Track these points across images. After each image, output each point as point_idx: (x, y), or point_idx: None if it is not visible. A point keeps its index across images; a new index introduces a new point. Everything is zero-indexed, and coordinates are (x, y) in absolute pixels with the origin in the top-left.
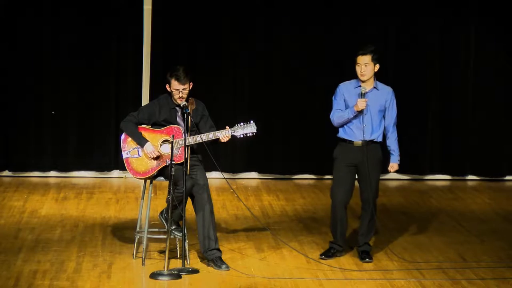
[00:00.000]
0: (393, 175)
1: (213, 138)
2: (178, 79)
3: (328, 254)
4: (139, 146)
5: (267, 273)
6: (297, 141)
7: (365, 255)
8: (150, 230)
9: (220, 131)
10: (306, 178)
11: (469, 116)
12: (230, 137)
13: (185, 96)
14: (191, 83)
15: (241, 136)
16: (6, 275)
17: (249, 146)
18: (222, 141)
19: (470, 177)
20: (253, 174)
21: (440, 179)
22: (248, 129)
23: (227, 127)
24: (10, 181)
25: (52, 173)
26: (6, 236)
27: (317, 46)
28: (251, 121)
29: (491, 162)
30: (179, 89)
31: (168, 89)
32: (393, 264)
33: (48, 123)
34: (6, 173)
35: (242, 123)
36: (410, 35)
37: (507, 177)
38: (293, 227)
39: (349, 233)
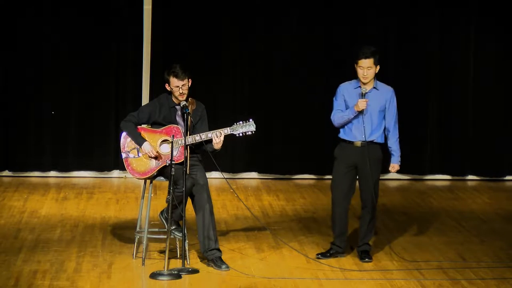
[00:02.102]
0: (393, 175)
1: (211, 138)
2: (176, 76)
3: (325, 254)
4: (138, 146)
5: (267, 273)
6: (297, 141)
7: (364, 255)
8: (150, 230)
9: (219, 130)
10: (306, 178)
11: (469, 116)
12: (221, 145)
13: (185, 92)
14: (190, 79)
15: (240, 135)
16: (6, 275)
17: (249, 146)
18: (216, 147)
19: (470, 177)
20: (253, 174)
21: (440, 179)
22: (247, 127)
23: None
24: (10, 181)
25: (52, 173)
26: (6, 236)
27: (317, 46)
28: (250, 120)
29: (491, 162)
30: (178, 86)
31: (168, 88)
32: (393, 264)
33: (48, 123)
34: (6, 173)
35: (241, 122)
36: (410, 35)
37: (507, 177)
38: (293, 227)
39: (350, 233)
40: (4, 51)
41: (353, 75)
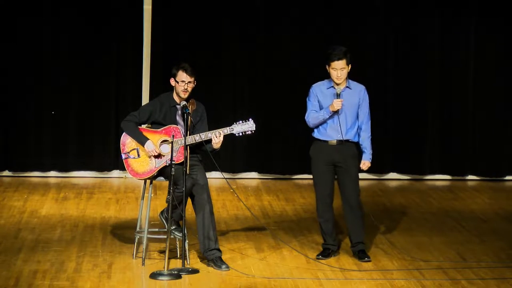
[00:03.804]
0: (393, 175)
1: (211, 138)
2: (185, 70)
3: (325, 254)
4: (138, 147)
5: (267, 273)
6: (297, 141)
7: (362, 255)
8: (150, 230)
9: (218, 130)
10: (306, 178)
11: (469, 116)
12: (220, 145)
13: (189, 90)
14: (195, 80)
15: (240, 134)
16: (6, 275)
17: (249, 146)
18: (215, 147)
19: (470, 177)
20: (253, 174)
21: (440, 179)
22: (247, 127)
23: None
24: (10, 181)
25: (52, 173)
26: (6, 236)
27: (317, 46)
28: (250, 119)
29: (491, 162)
30: (185, 81)
31: (172, 82)
32: (393, 264)
33: (48, 123)
34: (6, 173)
35: (240, 121)
36: (410, 35)
37: (507, 177)
38: (293, 227)
39: (344, 233)
40: (4, 51)
41: (325, 75)
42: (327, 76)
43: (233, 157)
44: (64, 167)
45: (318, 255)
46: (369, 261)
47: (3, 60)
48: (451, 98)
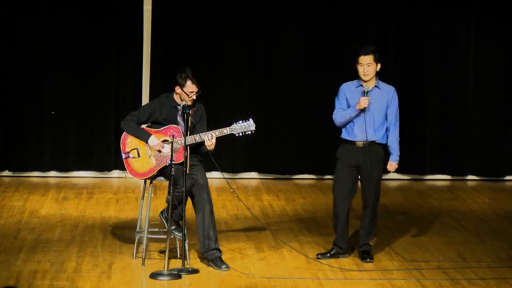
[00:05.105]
0: (393, 175)
1: (210, 138)
2: (194, 82)
3: (325, 254)
4: (138, 147)
5: (267, 273)
6: (297, 141)
7: (366, 255)
8: (150, 230)
9: (217, 130)
10: (306, 178)
11: (469, 116)
12: (214, 146)
13: (195, 98)
14: None
15: (240, 134)
16: (6, 275)
17: (249, 146)
18: (208, 148)
19: (470, 177)
20: (253, 174)
21: (440, 179)
22: (246, 127)
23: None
24: (10, 181)
25: (52, 173)
26: (6, 236)
27: (317, 46)
28: (250, 119)
29: (491, 162)
30: (193, 91)
31: (178, 90)
32: (393, 264)
33: (48, 123)
34: (6, 173)
35: (240, 121)
36: (410, 35)
37: (507, 177)
38: (293, 227)
39: (351, 233)
40: (4, 51)
41: (354, 75)
42: (327, 76)
43: (233, 157)
44: (64, 167)
45: (318, 255)
46: (371, 261)
47: (3, 60)
48: (451, 98)
